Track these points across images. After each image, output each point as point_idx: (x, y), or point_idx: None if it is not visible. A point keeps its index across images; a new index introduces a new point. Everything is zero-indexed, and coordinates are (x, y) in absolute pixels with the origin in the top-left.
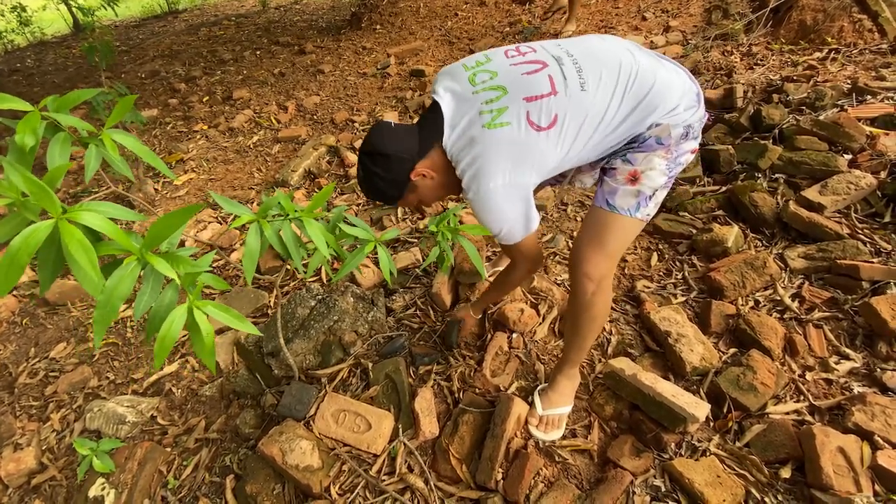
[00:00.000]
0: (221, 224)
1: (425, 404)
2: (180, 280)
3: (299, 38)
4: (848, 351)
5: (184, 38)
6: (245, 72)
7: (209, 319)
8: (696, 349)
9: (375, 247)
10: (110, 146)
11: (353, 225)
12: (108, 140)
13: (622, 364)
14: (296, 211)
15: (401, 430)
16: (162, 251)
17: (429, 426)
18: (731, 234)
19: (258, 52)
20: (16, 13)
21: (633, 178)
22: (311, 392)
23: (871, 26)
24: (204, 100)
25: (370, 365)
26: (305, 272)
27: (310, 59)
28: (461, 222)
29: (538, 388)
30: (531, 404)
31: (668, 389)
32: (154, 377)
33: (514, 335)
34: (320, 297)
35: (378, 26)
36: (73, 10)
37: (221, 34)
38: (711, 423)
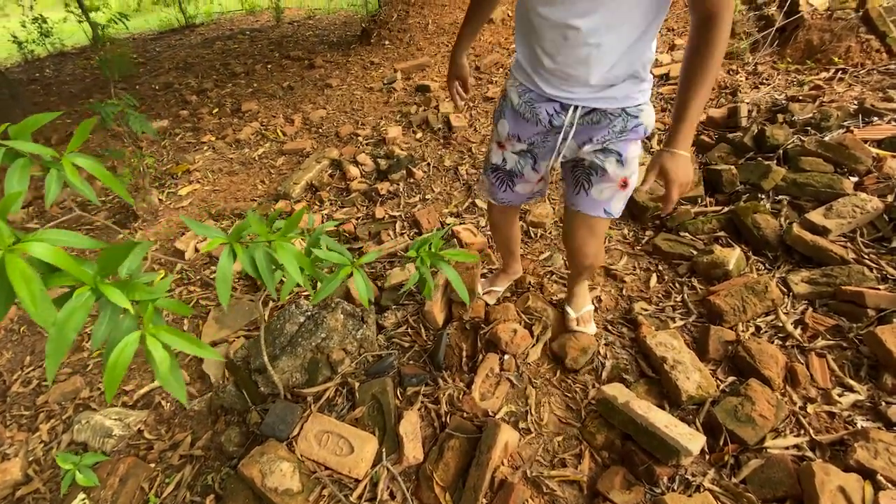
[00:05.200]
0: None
1: (410, 428)
2: (136, 308)
3: (310, 52)
4: (852, 382)
5: (199, 52)
6: (255, 85)
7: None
8: (693, 377)
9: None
10: (70, 171)
11: (332, 248)
12: (67, 165)
13: (615, 391)
14: (271, 233)
15: (384, 453)
16: (122, 278)
17: (413, 451)
18: (732, 256)
19: (269, 66)
20: (37, 24)
21: (624, 184)
22: (296, 411)
23: (878, 46)
24: (213, 111)
25: (357, 385)
26: (279, 297)
27: (318, 73)
28: (450, 241)
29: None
30: (565, 314)
31: (662, 419)
32: (144, 389)
33: (507, 357)
34: (309, 313)
35: (387, 42)
36: (89, 23)
37: (235, 48)
38: (707, 456)
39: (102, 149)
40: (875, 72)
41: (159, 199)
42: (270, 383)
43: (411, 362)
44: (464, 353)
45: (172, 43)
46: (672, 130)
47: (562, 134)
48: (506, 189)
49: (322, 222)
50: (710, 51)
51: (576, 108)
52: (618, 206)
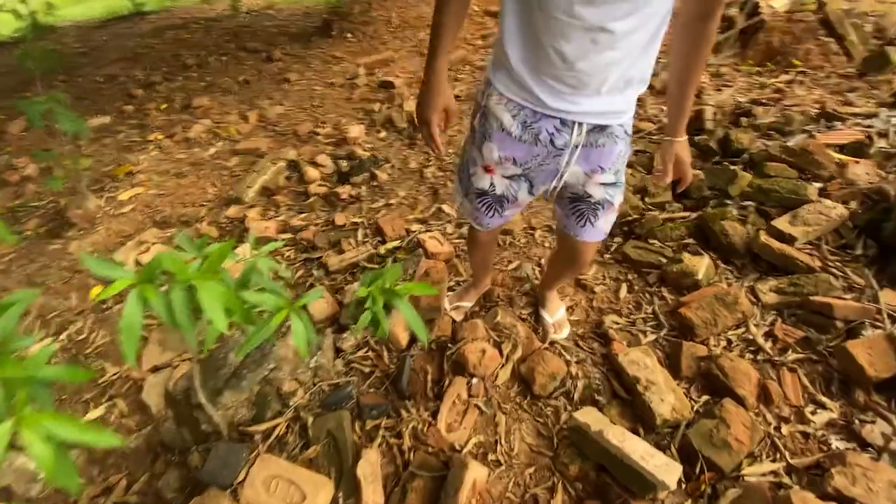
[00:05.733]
0: (167, 246)
1: (370, 469)
2: (5, 389)
3: (268, 44)
4: (824, 399)
5: (148, 41)
6: (208, 78)
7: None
8: (667, 398)
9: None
10: None
11: (266, 287)
12: None
13: (588, 418)
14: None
15: (341, 499)
16: None
17: (372, 495)
18: (701, 265)
19: (224, 58)
20: None
21: (616, 208)
22: (241, 454)
23: (837, 49)
24: (162, 107)
25: (310, 420)
26: (202, 350)
27: (276, 67)
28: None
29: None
30: (540, 320)
31: (638, 450)
32: None
33: (475, 381)
34: None
35: (349, 35)
36: (22, 13)
37: (188, 38)
38: (683, 485)
39: (35, 150)
40: (834, 74)
41: (97, 205)
42: (212, 422)
43: (372, 390)
44: (429, 377)
45: (119, 32)
46: (674, 121)
47: (566, 156)
48: (494, 214)
49: (278, 229)
50: (708, 43)
51: (580, 125)
52: (611, 226)
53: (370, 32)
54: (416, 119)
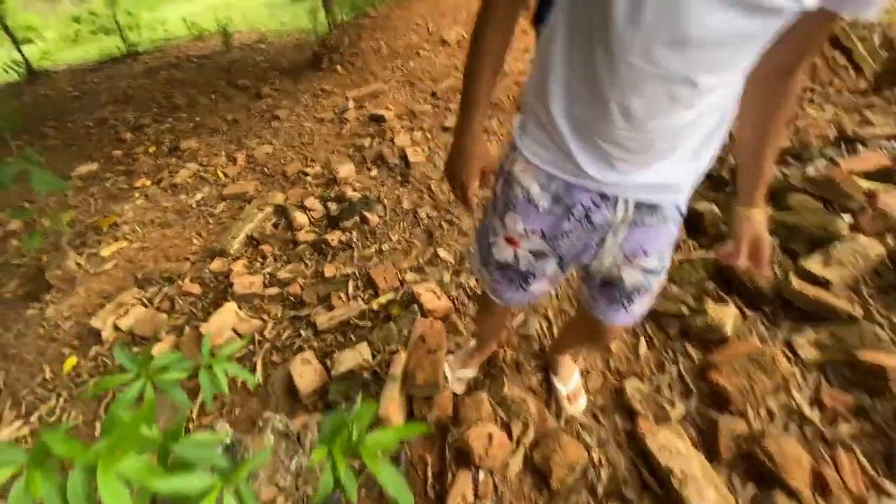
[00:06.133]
0: (147, 307)
1: None
2: None
3: (258, 80)
4: (889, 486)
5: (140, 82)
6: (198, 118)
7: None
8: (708, 496)
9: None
10: None
11: (189, 453)
12: None
13: None
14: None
15: None
16: None
17: None
18: (728, 316)
19: (213, 97)
20: None
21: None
22: None
23: (844, 63)
24: (150, 150)
25: None
26: None
27: (266, 104)
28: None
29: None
30: (552, 391)
31: None
32: None
33: (482, 475)
34: (228, 441)
35: (339, 67)
36: (21, 55)
37: (180, 77)
38: None
39: (20, 203)
40: (845, 91)
41: (77, 264)
42: None
43: (364, 490)
44: (429, 470)
45: (112, 73)
46: (750, 189)
47: (607, 237)
48: (517, 289)
49: (265, 283)
50: (789, 102)
51: (626, 201)
52: (647, 309)
53: (359, 64)
54: (448, 180)
